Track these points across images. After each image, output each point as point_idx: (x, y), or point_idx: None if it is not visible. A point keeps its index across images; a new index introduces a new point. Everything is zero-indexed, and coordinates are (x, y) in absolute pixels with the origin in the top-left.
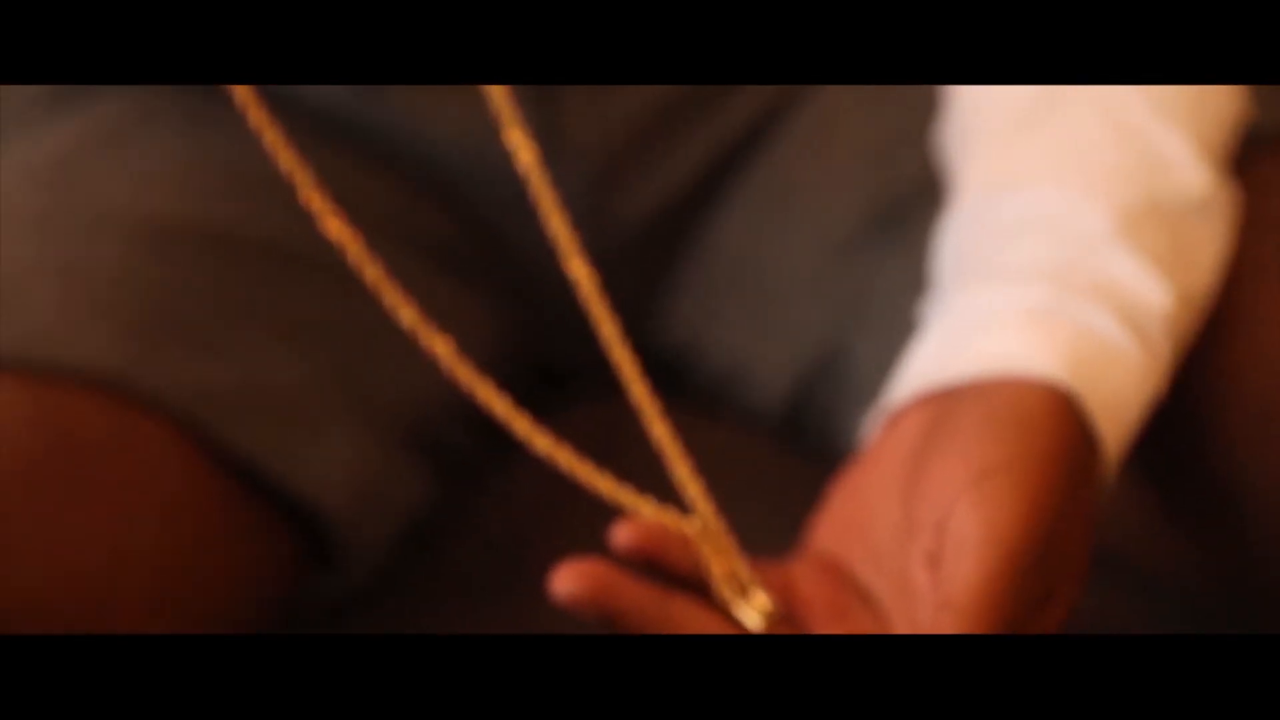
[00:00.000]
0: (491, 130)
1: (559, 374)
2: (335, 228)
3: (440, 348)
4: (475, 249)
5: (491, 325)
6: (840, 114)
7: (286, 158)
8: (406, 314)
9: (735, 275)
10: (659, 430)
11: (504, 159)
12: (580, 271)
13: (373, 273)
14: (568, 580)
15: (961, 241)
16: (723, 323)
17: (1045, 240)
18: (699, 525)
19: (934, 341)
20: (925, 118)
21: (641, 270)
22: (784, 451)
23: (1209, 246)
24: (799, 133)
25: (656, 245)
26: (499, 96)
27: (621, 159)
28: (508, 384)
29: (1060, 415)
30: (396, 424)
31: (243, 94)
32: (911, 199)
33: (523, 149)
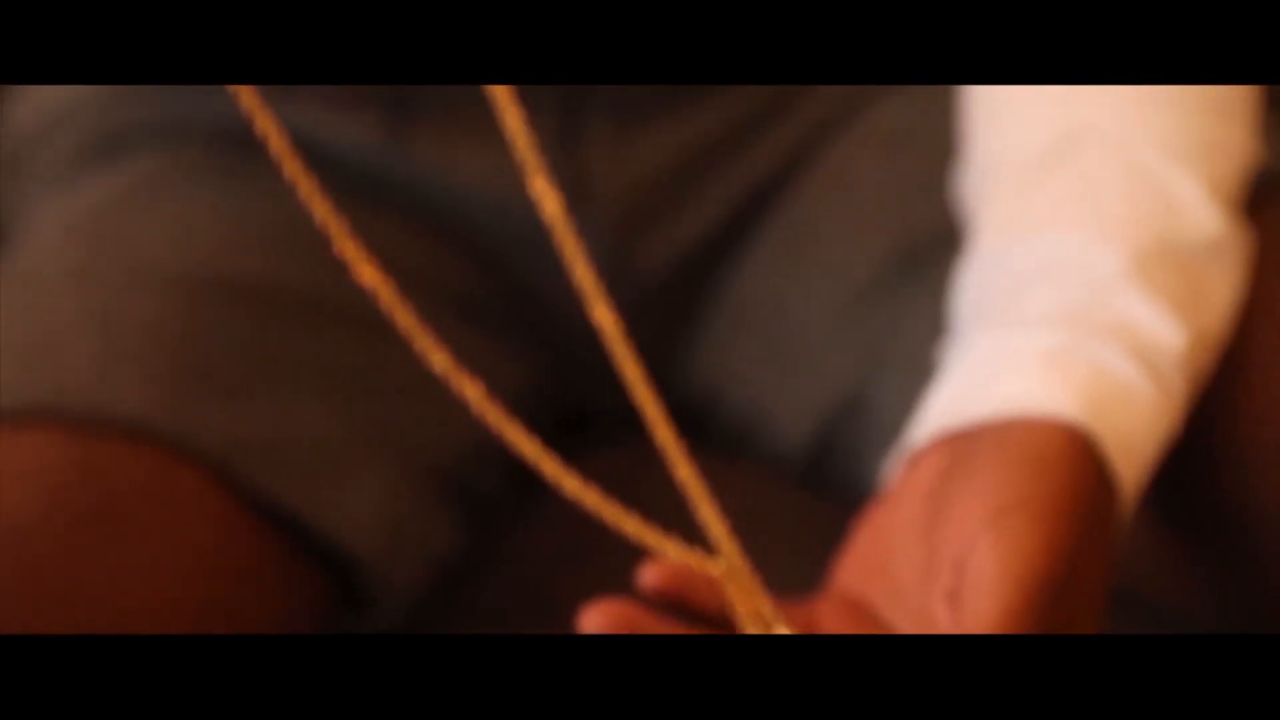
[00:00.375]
0: (517, 180)
1: (584, 418)
2: (368, 276)
3: (471, 392)
4: (500, 296)
5: (517, 371)
6: (859, 162)
7: (321, 208)
8: (438, 359)
9: (757, 321)
10: (684, 471)
11: (529, 208)
12: (605, 317)
13: (405, 320)
14: (595, 619)
15: (979, 286)
16: (745, 368)
17: (1061, 283)
18: (724, 565)
19: (953, 384)
20: (943, 165)
21: (664, 317)
22: (807, 493)
23: (1222, 287)
24: (818, 180)
25: (679, 292)
26: (524, 146)
27: (644, 208)
28: (535, 428)
29: (1077, 454)
30: (426, 470)
31: (277, 146)
32: (930, 245)
33: (548, 198)
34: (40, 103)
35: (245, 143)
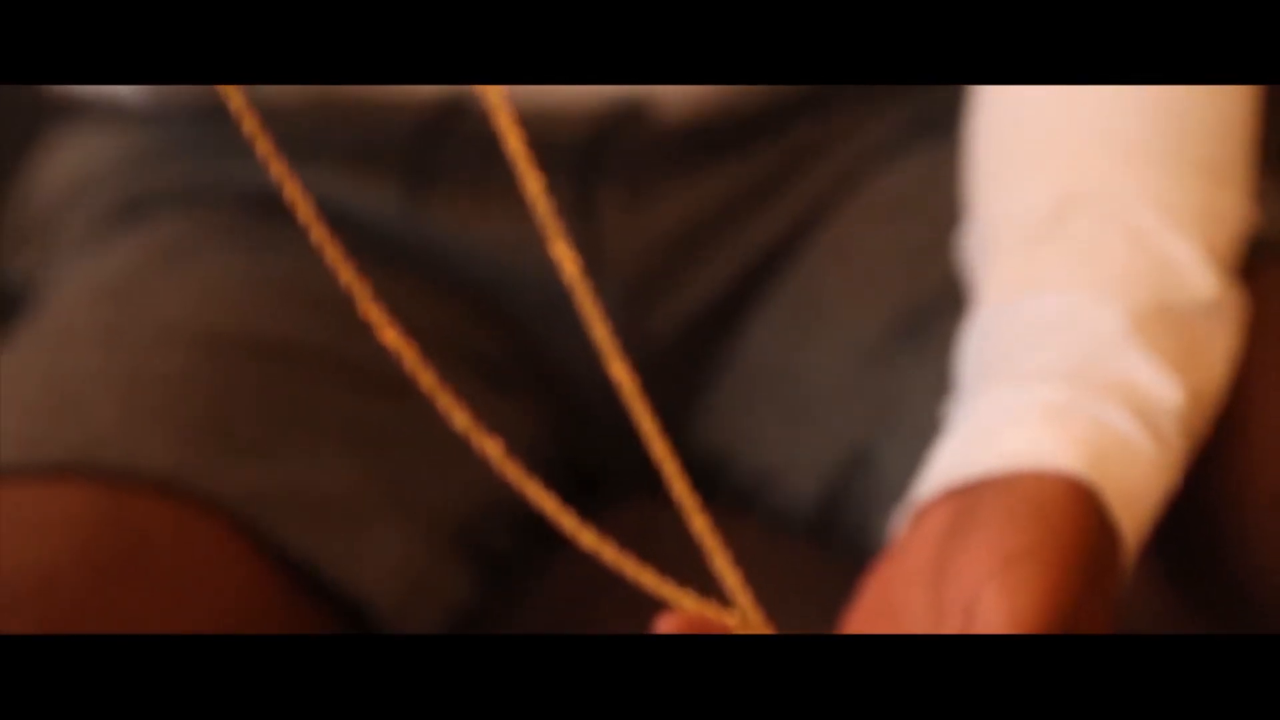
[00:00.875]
0: (535, 244)
1: (598, 474)
2: (392, 337)
3: (491, 449)
4: (517, 356)
5: (534, 429)
6: (863, 227)
7: (346, 272)
8: (459, 418)
9: (765, 382)
10: (699, 524)
11: (546, 271)
12: (622, 374)
13: (427, 380)
14: (670, 624)
15: (983, 345)
16: (754, 428)
17: (1063, 342)
18: (739, 616)
19: (958, 440)
20: (945, 231)
21: (674, 377)
22: (816, 549)
23: (1218, 347)
24: (824, 246)
25: (689, 354)
26: (544, 211)
27: (656, 272)
28: (552, 484)
29: (1080, 505)
30: (443, 525)
31: (305, 213)
32: (934, 308)
33: (567, 261)
34: (68, 168)
35: (269, 206)
